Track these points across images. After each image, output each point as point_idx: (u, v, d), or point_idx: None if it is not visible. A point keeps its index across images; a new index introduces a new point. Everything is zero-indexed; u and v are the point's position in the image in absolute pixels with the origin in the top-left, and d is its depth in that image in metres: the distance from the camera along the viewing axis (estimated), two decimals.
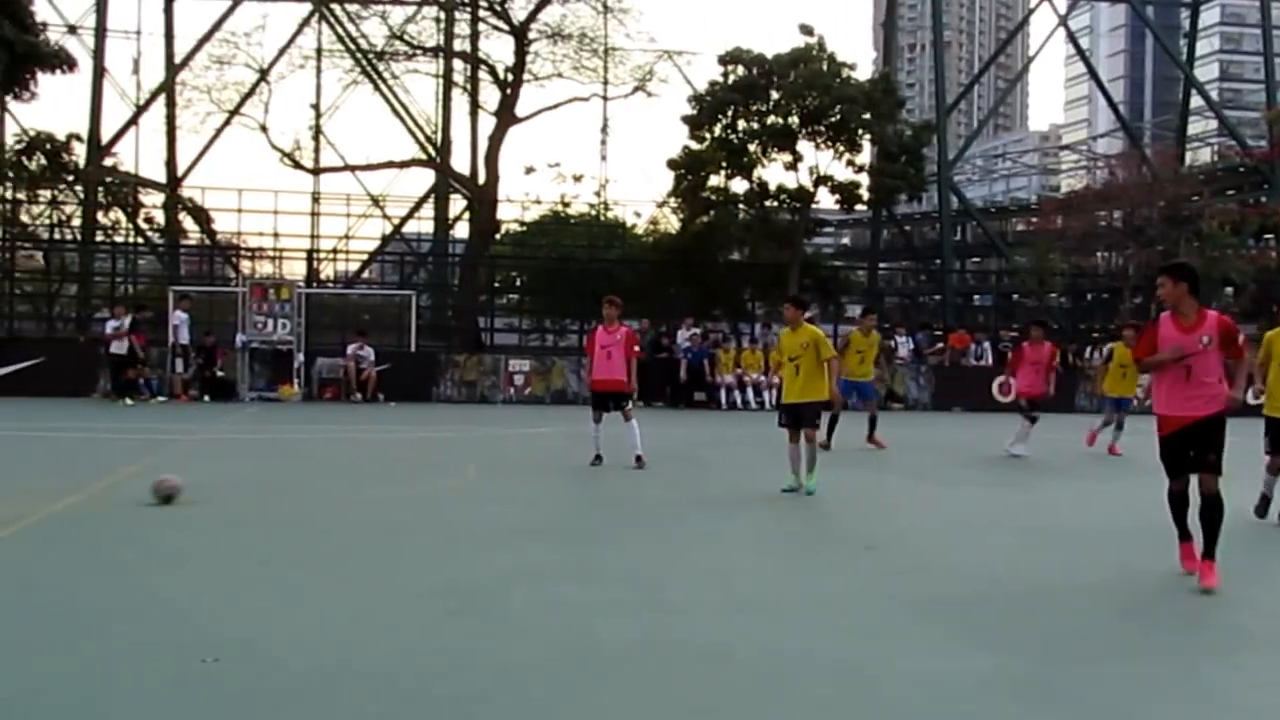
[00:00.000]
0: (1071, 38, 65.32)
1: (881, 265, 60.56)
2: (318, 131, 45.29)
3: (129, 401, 26.38)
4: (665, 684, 5.85)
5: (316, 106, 45.59)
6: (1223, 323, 8.68)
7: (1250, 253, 48.46)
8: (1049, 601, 7.73)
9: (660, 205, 44.38)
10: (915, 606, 7.57)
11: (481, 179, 40.76)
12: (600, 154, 54.81)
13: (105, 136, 44.51)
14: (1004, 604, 7.74)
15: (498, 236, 43.90)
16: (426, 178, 47.24)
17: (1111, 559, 9.45)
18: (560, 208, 45.28)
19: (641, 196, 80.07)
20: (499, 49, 43.60)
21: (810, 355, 13.16)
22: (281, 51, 43.73)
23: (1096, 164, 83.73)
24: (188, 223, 45.63)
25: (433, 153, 44.91)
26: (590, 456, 15.50)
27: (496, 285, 44.22)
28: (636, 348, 16.44)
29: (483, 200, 40.21)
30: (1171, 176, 49.50)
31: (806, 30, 40.51)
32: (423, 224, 48.68)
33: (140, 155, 47.17)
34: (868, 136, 39.44)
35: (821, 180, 39.31)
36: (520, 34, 39.83)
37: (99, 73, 44.29)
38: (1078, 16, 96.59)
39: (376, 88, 44.51)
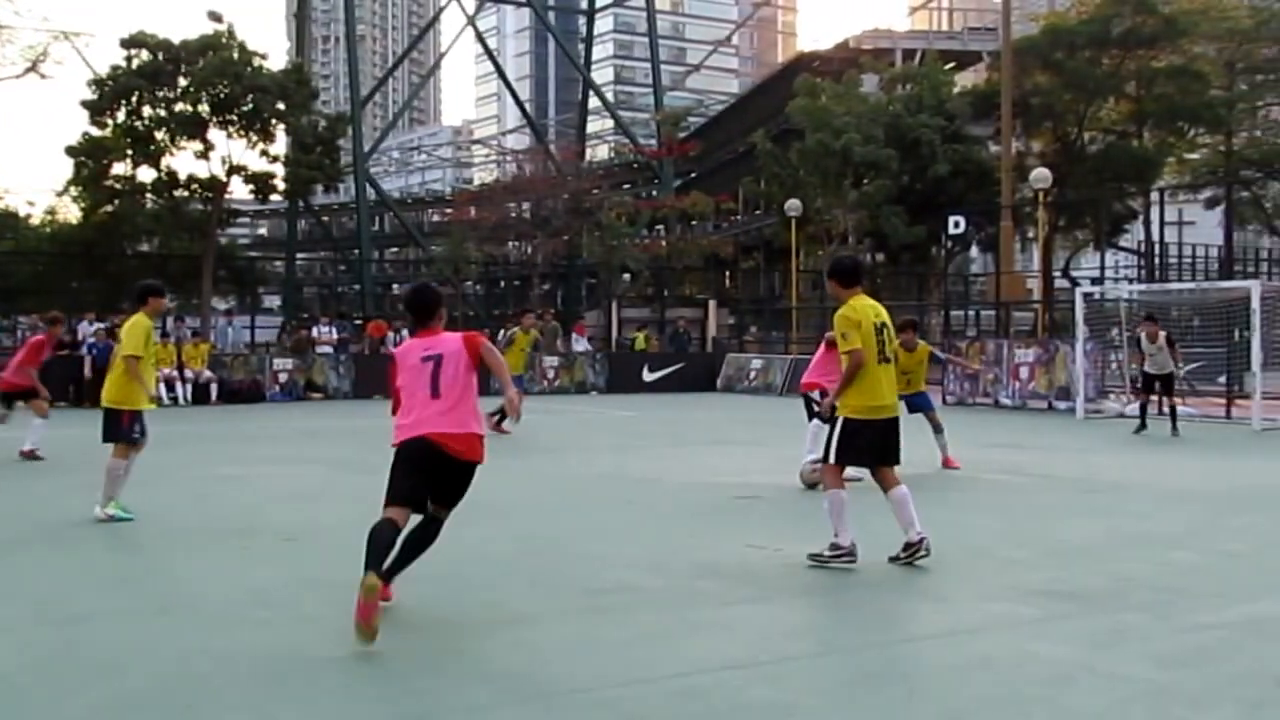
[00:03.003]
0: (480, 38, 67.46)
1: (300, 255, 59.90)
2: None
3: None
4: (61, 703, 5.33)
5: None
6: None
7: (644, 241, 52.16)
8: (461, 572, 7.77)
9: (59, 194, 41.48)
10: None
11: None
12: None
13: None
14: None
15: None
16: None
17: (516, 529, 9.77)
18: None
19: (39, 185, 74.38)
20: None
21: None
22: None
23: (506, 158, 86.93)
24: None
25: None
26: None
27: None
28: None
29: None
30: (574, 171, 52.33)
31: (215, 17, 39.15)
32: None
33: None
34: (282, 127, 38.70)
35: (235, 170, 38.15)
36: None
37: None
38: (485, 17, 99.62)
39: None
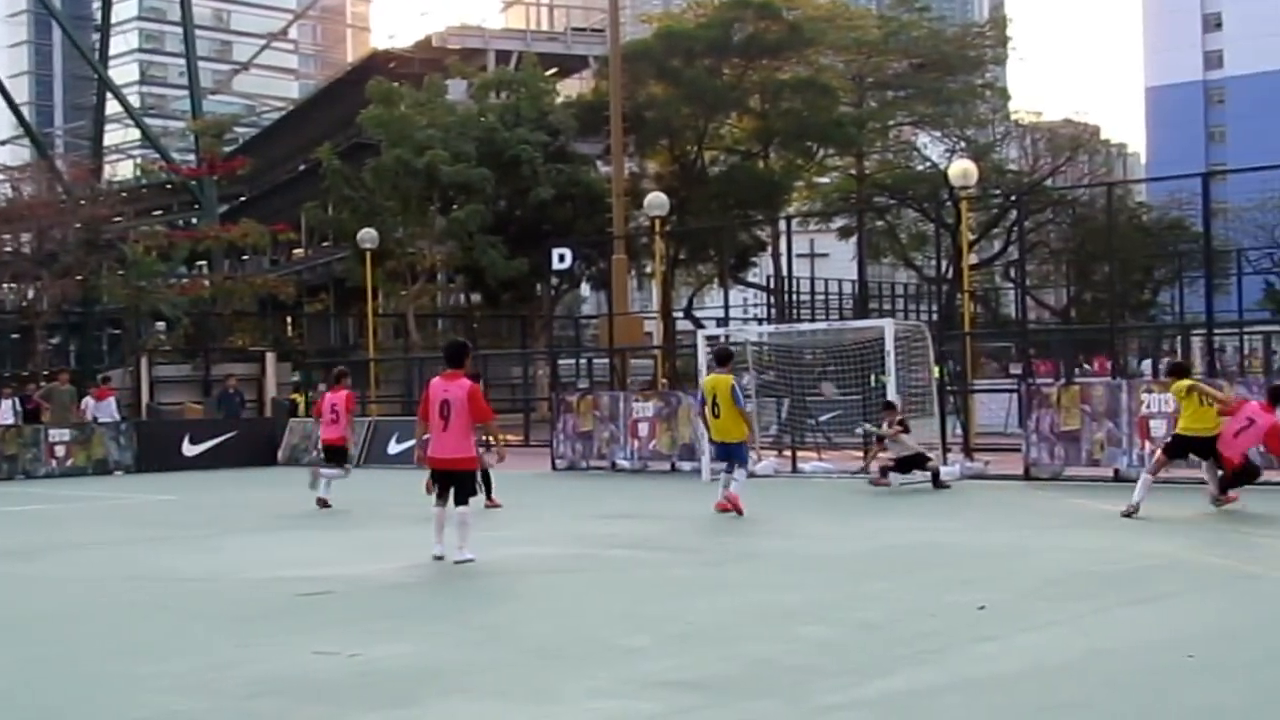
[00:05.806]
0: None
1: None
2: None
3: None
4: None
5: None
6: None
7: (182, 282, 50.83)
8: None
9: None
10: None
11: None
12: None
13: None
14: None
15: None
16: None
17: None
18: None
19: None
20: None
21: None
22: None
23: None
24: None
25: None
26: None
27: None
28: None
29: None
30: (88, 193, 50.51)
31: None
32: None
33: None
34: None
35: None
36: None
37: None
38: None
39: None
